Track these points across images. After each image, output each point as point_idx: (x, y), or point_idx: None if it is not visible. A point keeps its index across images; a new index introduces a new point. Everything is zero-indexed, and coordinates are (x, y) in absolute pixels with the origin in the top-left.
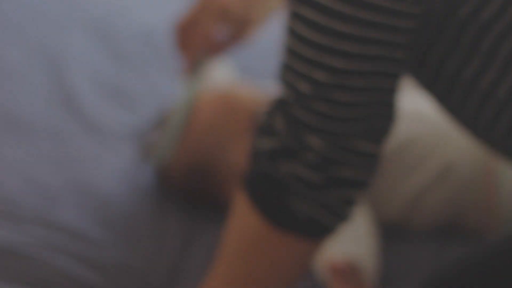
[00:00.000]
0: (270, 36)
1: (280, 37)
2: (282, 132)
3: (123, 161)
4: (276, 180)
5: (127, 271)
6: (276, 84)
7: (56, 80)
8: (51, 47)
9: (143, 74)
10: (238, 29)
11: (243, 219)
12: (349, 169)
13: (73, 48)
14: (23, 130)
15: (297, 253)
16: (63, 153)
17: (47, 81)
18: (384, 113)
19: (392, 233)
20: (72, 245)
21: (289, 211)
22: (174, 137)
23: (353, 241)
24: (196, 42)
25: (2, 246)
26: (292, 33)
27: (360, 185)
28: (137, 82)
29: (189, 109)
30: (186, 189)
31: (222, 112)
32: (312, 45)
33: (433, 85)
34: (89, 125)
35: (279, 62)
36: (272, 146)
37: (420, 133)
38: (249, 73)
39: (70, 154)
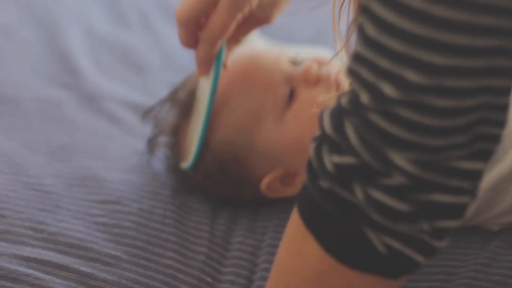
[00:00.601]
0: None
1: None
2: (357, 145)
3: (135, 151)
4: (348, 206)
5: None
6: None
7: (51, 45)
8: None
9: (153, 37)
10: (259, 13)
11: (300, 250)
12: (445, 193)
13: (68, 8)
14: (13, 108)
15: None
16: (60, 141)
17: (40, 45)
18: (493, 120)
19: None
20: (79, 265)
21: (367, 245)
22: (202, 137)
23: None
24: (210, 35)
25: None
26: (374, 18)
27: (457, 212)
28: (146, 47)
29: (214, 102)
30: (212, 185)
31: (244, 81)
32: (403, 35)
33: None
34: (93, 105)
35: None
36: (343, 163)
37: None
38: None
39: (69, 143)
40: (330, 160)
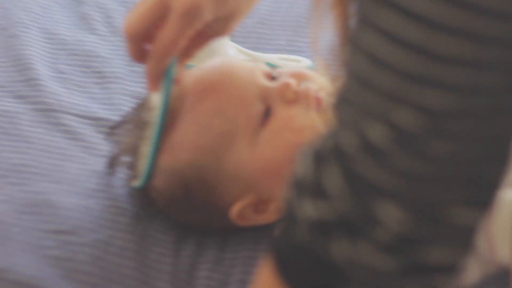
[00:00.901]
0: None
1: None
2: (337, 196)
3: (93, 173)
4: (325, 263)
5: None
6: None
7: (6, 50)
8: None
9: (118, 41)
10: (215, 26)
11: None
12: (438, 249)
13: (27, 8)
14: None
15: None
16: (12, 160)
17: None
18: (496, 165)
19: None
20: None
21: None
22: (153, 155)
23: None
24: (158, 51)
25: None
26: (363, 51)
27: (451, 269)
28: (111, 53)
29: (165, 119)
30: (177, 211)
31: (214, 98)
32: (397, 72)
33: None
34: (50, 118)
35: (335, 92)
36: (321, 215)
37: None
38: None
39: (22, 163)
40: (303, 212)
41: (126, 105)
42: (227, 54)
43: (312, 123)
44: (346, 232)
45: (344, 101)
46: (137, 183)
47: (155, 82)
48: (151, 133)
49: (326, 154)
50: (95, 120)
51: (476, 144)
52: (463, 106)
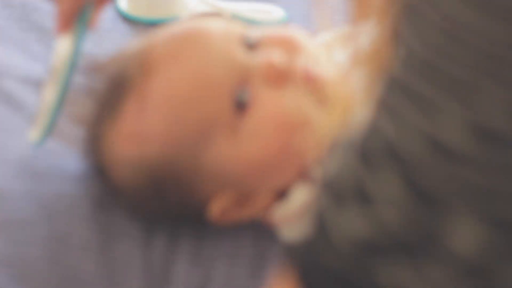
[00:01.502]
0: None
1: None
2: (394, 209)
3: (41, 148)
4: None
5: None
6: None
7: None
8: None
9: None
10: None
11: None
12: None
13: None
14: None
15: None
16: None
17: None
18: None
19: None
20: None
21: None
22: (59, 101)
23: None
24: None
25: None
26: (431, 18)
27: None
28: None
29: (75, 66)
30: (146, 205)
31: (188, 80)
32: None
33: None
34: None
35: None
36: (369, 232)
37: None
38: None
39: None
40: (350, 225)
41: None
42: (185, 3)
43: (304, 111)
44: (402, 254)
45: (399, 88)
46: (33, 138)
47: (66, 23)
48: (58, 81)
49: (375, 155)
50: (38, 84)
51: None
52: None
